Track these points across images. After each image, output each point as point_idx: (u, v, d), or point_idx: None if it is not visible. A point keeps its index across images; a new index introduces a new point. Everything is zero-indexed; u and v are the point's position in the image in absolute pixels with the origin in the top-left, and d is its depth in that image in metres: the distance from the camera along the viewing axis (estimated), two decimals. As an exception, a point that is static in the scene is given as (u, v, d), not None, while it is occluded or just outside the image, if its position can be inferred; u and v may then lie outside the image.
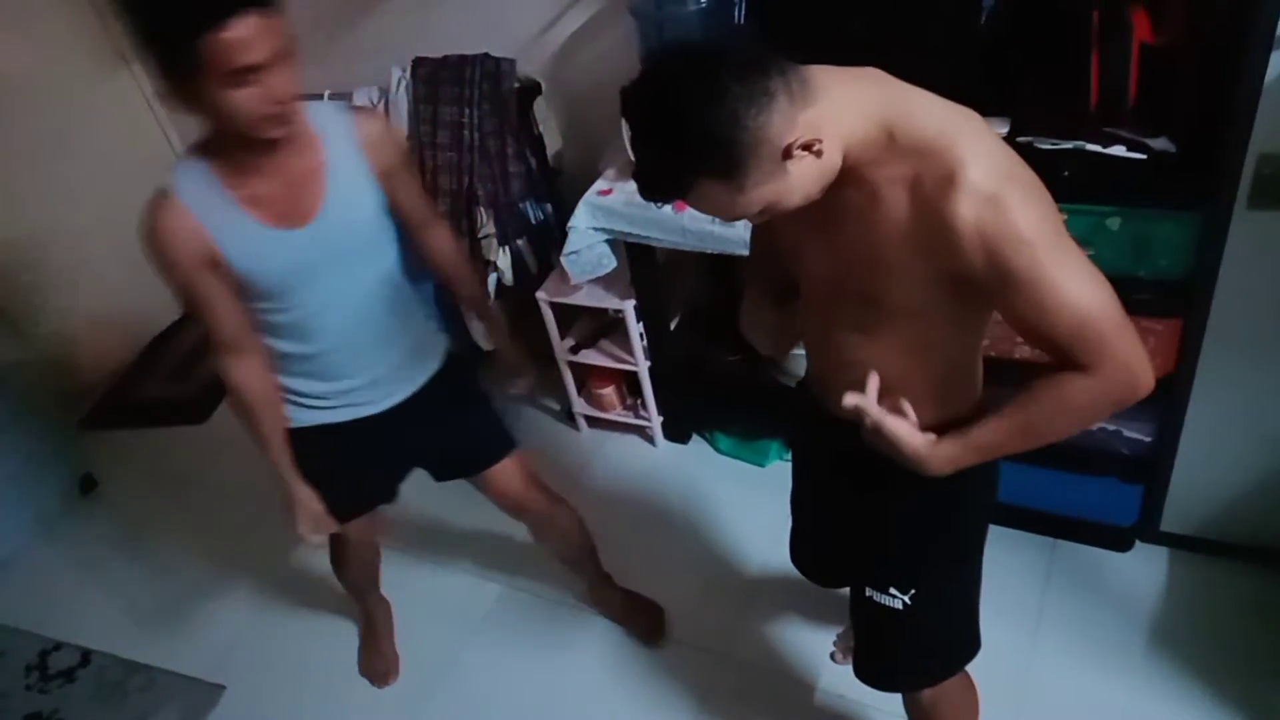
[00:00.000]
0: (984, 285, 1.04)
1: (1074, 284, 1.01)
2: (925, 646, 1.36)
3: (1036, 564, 2.15)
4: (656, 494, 2.58)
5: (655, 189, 1.03)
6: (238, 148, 1.43)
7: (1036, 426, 1.12)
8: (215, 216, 1.46)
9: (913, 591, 1.37)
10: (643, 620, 2.24)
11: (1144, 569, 2.10)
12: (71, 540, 2.87)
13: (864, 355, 1.24)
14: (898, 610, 1.38)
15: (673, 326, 2.57)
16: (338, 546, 2.04)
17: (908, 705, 1.53)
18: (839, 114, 1.02)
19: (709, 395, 2.62)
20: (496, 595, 2.40)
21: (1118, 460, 1.99)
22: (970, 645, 1.48)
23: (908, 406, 1.17)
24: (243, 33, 1.26)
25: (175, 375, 3.44)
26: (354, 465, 1.81)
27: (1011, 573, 2.10)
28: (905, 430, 1.15)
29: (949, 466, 1.17)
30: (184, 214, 1.44)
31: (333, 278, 1.57)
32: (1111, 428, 1.95)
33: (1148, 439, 1.94)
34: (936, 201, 1.00)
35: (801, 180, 1.03)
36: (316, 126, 1.51)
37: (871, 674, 1.50)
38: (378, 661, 2.31)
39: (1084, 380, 1.06)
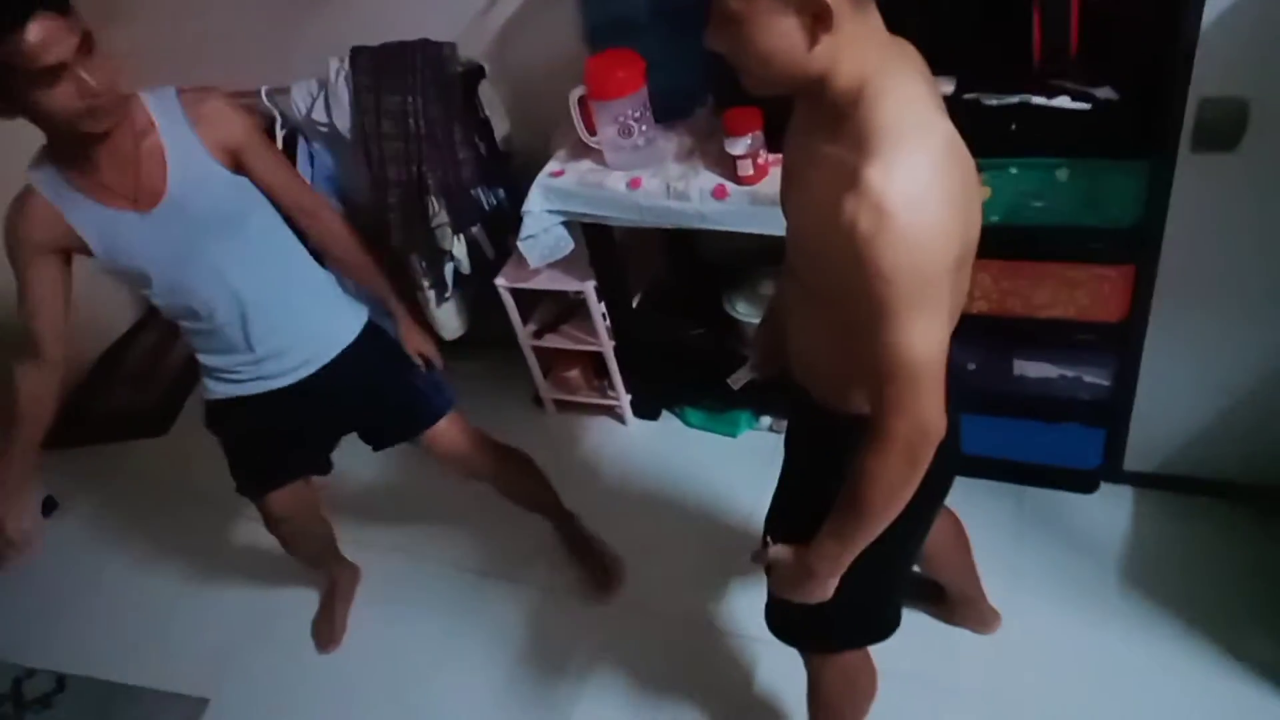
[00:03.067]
0: (846, 285, 1.02)
1: (910, 334, 1.00)
2: (812, 610, 1.33)
3: (1007, 512, 2.20)
4: (630, 473, 2.59)
5: None
6: (73, 144, 1.49)
7: (858, 506, 1.13)
8: (72, 207, 1.56)
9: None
10: (601, 568, 2.29)
11: (1111, 509, 2.15)
12: (37, 564, 2.80)
13: (797, 327, 1.28)
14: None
15: (635, 304, 2.57)
16: (269, 522, 2.05)
17: (805, 665, 1.55)
18: (857, 42, 1.00)
19: (676, 371, 2.62)
20: (466, 580, 2.40)
21: (1079, 405, 2.04)
22: (874, 627, 1.48)
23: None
24: (39, 35, 1.31)
25: (133, 387, 3.36)
26: (271, 437, 1.89)
27: (983, 522, 2.12)
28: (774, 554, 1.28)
29: (822, 567, 1.23)
30: (46, 205, 1.55)
31: (199, 254, 1.64)
32: (1071, 374, 1.99)
33: (1107, 383, 1.98)
34: (838, 190, 0.98)
35: (782, 47, 0.99)
36: (151, 112, 1.59)
37: (768, 620, 1.53)
38: (324, 626, 2.36)
39: (874, 443, 1.08)
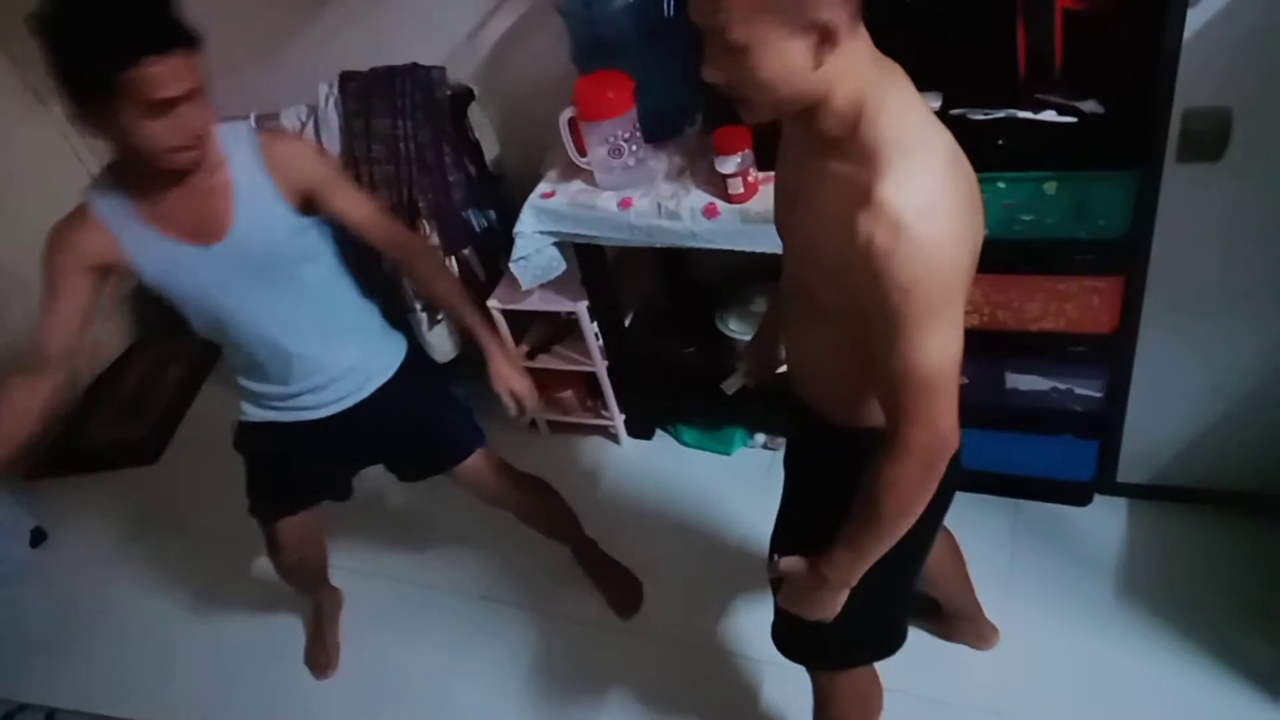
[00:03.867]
0: (862, 302, 1.02)
1: (929, 345, 1.01)
2: (820, 626, 1.33)
3: (1002, 525, 2.19)
4: (625, 492, 2.58)
5: None
6: (146, 172, 1.47)
7: (875, 515, 1.14)
8: (128, 232, 1.53)
9: None
10: (621, 590, 2.29)
11: (1106, 521, 2.15)
12: (25, 597, 2.78)
13: (803, 344, 1.28)
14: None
15: (627, 324, 2.57)
16: (272, 548, 2.03)
17: (813, 683, 1.54)
18: (854, 61, 1.01)
19: (669, 389, 2.62)
20: (470, 605, 2.38)
21: (1071, 417, 2.04)
22: (883, 642, 1.47)
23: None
24: (162, 69, 1.32)
25: (123, 416, 3.34)
26: (297, 464, 1.88)
27: (979, 536, 2.12)
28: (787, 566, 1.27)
29: (836, 577, 1.23)
30: (96, 223, 1.53)
31: (251, 293, 1.62)
32: (1064, 386, 2.00)
33: (1099, 395, 1.99)
34: (850, 208, 0.99)
35: (787, 68, 0.99)
36: (224, 148, 1.55)
37: (775, 638, 1.52)
38: (319, 651, 2.35)
39: (891, 453, 1.08)
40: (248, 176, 1.56)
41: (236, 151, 1.56)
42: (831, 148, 1.04)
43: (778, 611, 1.48)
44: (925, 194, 0.98)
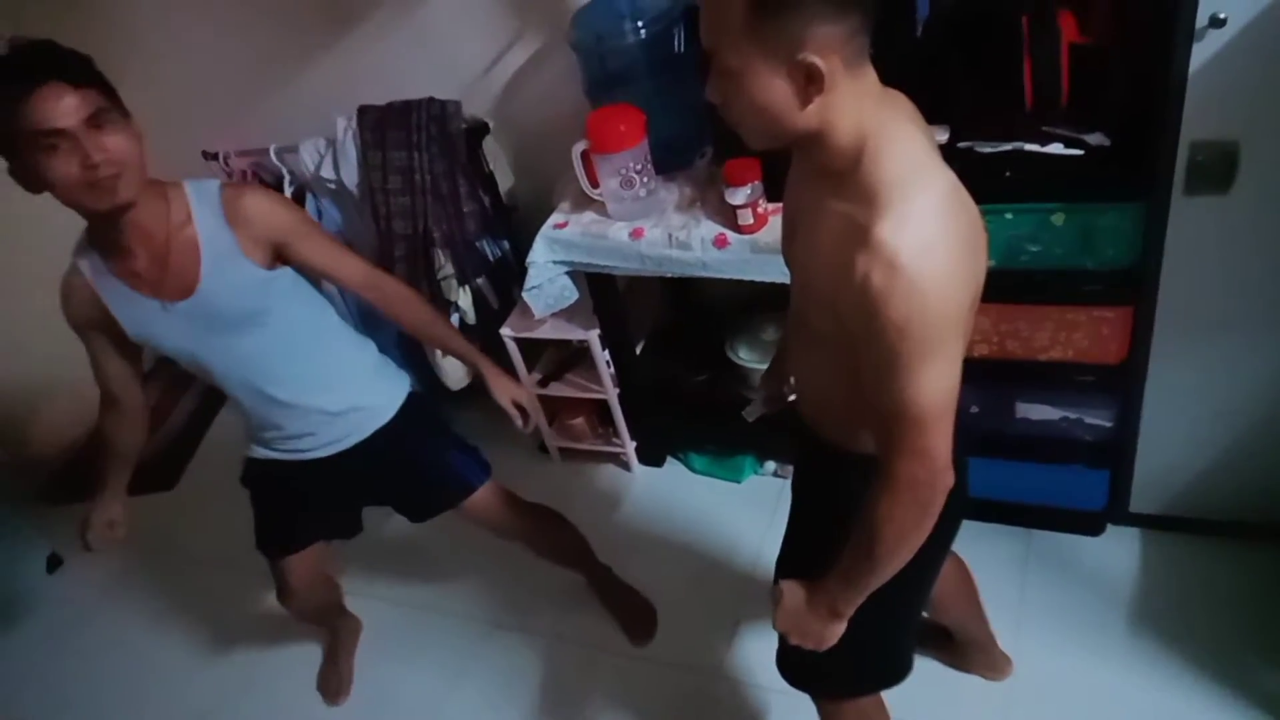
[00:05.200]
0: (857, 335, 1.03)
1: (922, 382, 1.01)
2: (826, 655, 1.32)
3: (1013, 555, 2.18)
4: (636, 519, 2.58)
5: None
6: (104, 227, 1.53)
7: (869, 549, 1.13)
8: (107, 288, 1.60)
9: None
10: (635, 617, 2.28)
11: (1118, 551, 2.14)
12: (40, 622, 2.80)
13: (806, 370, 1.30)
14: None
15: (638, 351, 2.59)
16: (281, 588, 2.04)
17: (818, 712, 1.54)
18: (853, 100, 1.02)
19: (680, 417, 2.63)
20: (478, 631, 2.38)
21: (1082, 447, 2.04)
22: (888, 671, 1.46)
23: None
24: (48, 99, 1.36)
25: (137, 442, 3.37)
26: (299, 502, 1.89)
27: (990, 566, 2.11)
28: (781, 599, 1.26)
29: (830, 608, 1.23)
30: (83, 281, 1.60)
31: (227, 345, 1.65)
32: (1074, 416, 2.00)
33: (1109, 424, 1.99)
34: (849, 246, 1.00)
35: (775, 105, 1.00)
36: (192, 205, 1.59)
37: (780, 664, 1.52)
38: (331, 678, 2.35)
39: (884, 485, 1.08)
40: (212, 233, 1.58)
41: (201, 209, 1.59)
42: (833, 182, 1.06)
43: (782, 638, 1.48)
44: (923, 234, 0.98)
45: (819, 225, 1.08)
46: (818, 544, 1.27)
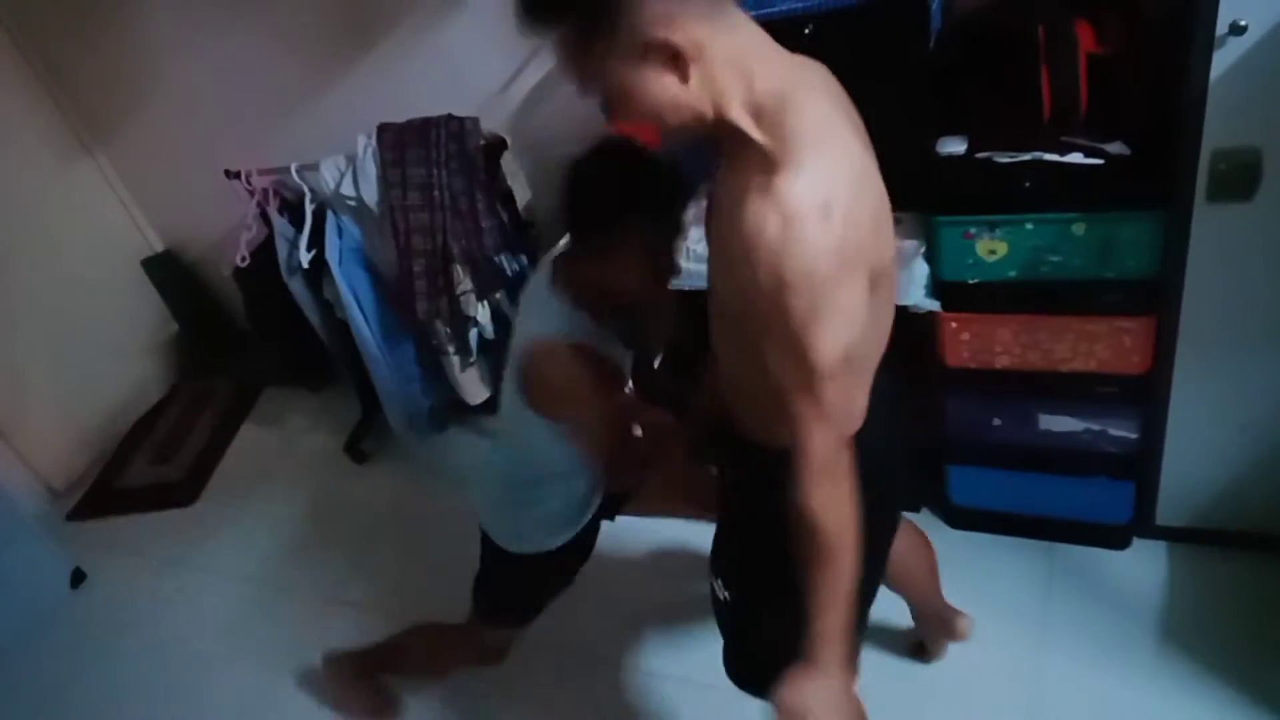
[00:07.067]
0: (755, 300, 0.99)
1: (817, 342, 0.98)
2: (752, 651, 1.27)
3: (1037, 569, 2.15)
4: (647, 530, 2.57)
5: (527, 11, 0.99)
6: None
7: (819, 551, 1.08)
8: None
9: (735, 590, 1.39)
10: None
11: (1145, 564, 2.11)
12: (64, 636, 2.81)
13: (726, 365, 1.29)
14: (723, 602, 1.41)
15: (655, 365, 2.58)
16: (510, 643, 1.98)
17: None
18: (735, 54, 0.98)
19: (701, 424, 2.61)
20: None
21: (1106, 459, 2.01)
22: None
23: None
24: None
25: (160, 457, 3.41)
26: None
27: (1013, 580, 2.10)
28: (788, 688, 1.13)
29: (830, 657, 1.12)
30: None
31: None
32: (1097, 427, 1.98)
33: (1134, 435, 1.96)
34: (751, 201, 0.97)
35: (657, 95, 0.98)
36: None
37: (730, 672, 1.48)
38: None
39: (800, 474, 1.05)
40: None
41: None
42: (744, 160, 1.02)
43: (728, 640, 1.45)
44: (821, 187, 0.96)
45: (731, 208, 1.03)
46: (747, 539, 1.26)
